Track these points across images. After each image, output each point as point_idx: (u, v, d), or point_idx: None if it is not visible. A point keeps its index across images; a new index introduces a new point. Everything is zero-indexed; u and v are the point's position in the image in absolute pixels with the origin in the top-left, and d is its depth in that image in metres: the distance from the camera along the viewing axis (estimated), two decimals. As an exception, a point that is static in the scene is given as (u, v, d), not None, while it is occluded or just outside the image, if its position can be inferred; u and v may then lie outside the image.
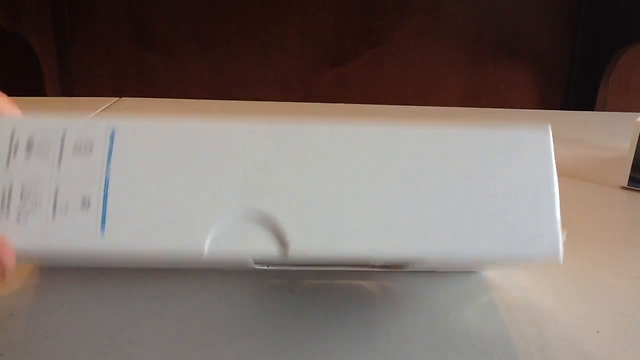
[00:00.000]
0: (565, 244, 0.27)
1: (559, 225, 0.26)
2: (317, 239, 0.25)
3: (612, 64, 1.19)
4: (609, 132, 0.75)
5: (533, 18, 1.23)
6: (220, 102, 0.91)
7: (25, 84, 1.22)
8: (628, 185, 0.53)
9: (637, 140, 0.51)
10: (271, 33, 1.23)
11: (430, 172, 0.26)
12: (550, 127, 0.27)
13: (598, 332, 0.31)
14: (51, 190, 0.24)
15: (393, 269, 0.32)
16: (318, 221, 0.25)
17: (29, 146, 0.24)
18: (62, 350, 0.27)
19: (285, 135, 0.26)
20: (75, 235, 0.24)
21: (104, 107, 0.82)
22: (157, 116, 0.26)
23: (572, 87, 1.27)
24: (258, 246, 0.25)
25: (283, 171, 0.26)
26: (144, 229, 0.24)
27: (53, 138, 0.25)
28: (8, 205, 0.24)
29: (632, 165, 0.52)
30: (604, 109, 1.21)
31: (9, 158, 0.24)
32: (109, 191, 0.25)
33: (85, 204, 0.25)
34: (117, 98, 0.88)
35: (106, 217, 0.24)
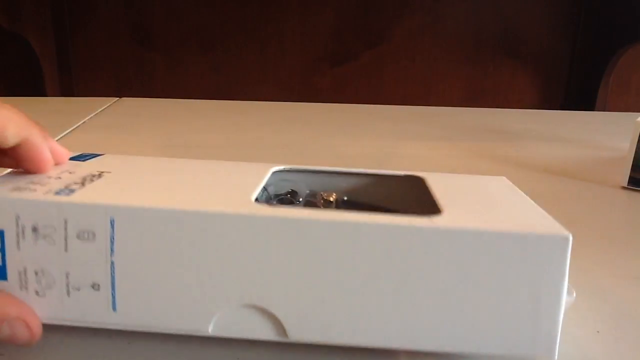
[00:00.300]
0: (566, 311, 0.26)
1: (558, 331, 0.26)
2: (315, 331, 0.26)
3: (612, 64, 1.19)
4: (609, 132, 0.75)
5: (533, 18, 1.23)
6: (220, 102, 0.91)
7: (25, 84, 1.22)
8: (628, 185, 0.53)
9: (637, 140, 0.51)
10: (271, 33, 1.23)
11: (432, 270, 0.25)
12: (570, 237, 0.25)
13: (598, 332, 0.31)
14: (62, 274, 0.26)
15: None
16: (316, 315, 0.26)
17: (35, 230, 0.25)
18: (63, 350, 0.27)
19: (287, 228, 0.25)
20: (89, 310, 0.26)
21: (104, 107, 0.82)
22: (155, 195, 0.27)
23: (572, 87, 1.27)
24: (259, 331, 0.26)
25: (284, 264, 0.26)
26: (152, 308, 0.26)
27: (56, 224, 0.25)
28: (26, 286, 0.26)
29: (632, 165, 0.52)
30: (604, 109, 1.21)
31: (18, 242, 0.26)
32: (115, 275, 0.26)
33: (95, 286, 0.26)
34: (117, 98, 0.88)
35: (116, 297, 0.26)
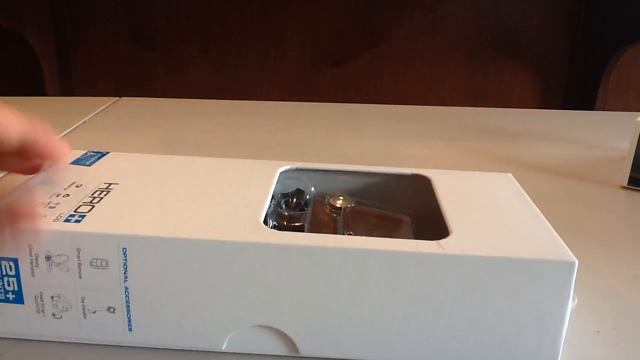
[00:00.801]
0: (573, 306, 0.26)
1: (560, 350, 0.26)
2: (325, 346, 0.27)
3: (612, 64, 1.19)
4: (609, 132, 0.75)
5: (533, 18, 1.23)
6: (220, 102, 0.91)
7: (25, 84, 1.22)
8: (628, 185, 0.53)
9: (637, 140, 0.51)
10: (271, 33, 1.23)
11: (440, 292, 0.26)
12: (576, 263, 0.25)
13: (598, 332, 0.31)
14: (77, 298, 0.26)
15: None
16: (327, 333, 0.27)
17: (49, 258, 0.26)
18: (62, 349, 0.27)
19: (297, 256, 0.26)
20: (106, 331, 0.27)
21: (103, 107, 0.82)
22: (165, 218, 0.27)
23: (572, 87, 1.27)
24: (272, 347, 0.27)
25: (294, 289, 0.26)
26: (167, 328, 0.27)
27: (69, 253, 0.26)
28: (43, 310, 0.27)
29: (632, 165, 0.52)
30: (604, 108, 1.21)
31: (32, 269, 0.26)
32: (130, 299, 0.26)
33: (111, 309, 0.27)
34: (117, 98, 0.88)
35: (131, 319, 0.27)
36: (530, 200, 0.31)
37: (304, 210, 0.34)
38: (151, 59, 1.24)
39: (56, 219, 0.26)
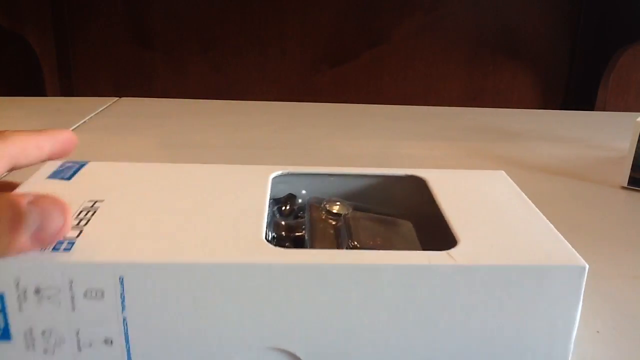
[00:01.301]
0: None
1: (570, 354, 0.26)
2: None
3: (612, 64, 1.19)
4: (609, 132, 0.75)
5: (533, 18, 1.23)
6: (220, 102, 0.91)
7: (25, 84, 1.22)
8: (628, 185, 0.53)
9: (637, 140, 0.51)
10: (271, 33, 1.23)
11: (451, 302, 0.25)
12: (587, 267, 0.25)
13: (598, 332, 0.31)
14: (71, 331, 0.24)
15: None
16: (337, 348, 0.26)
17: (38, 292, 0.24)
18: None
19: (302, 275, 0.25)
20: None
21: (103, 107, 0.82)
22: (161, 242, 0.25)
23: (572, 87, 1.27)
24: None
25: (301, 308, 0.25)
26: (169, 356, 0.25)
27: (60, 285, 0.24)
28: (33, 345, 0.25)
29: (632, 165, 0.52)
30: (604, 109, 1.21)
31: (20, 304, 0.24)
32: (129, 329, 0.25)
33: (108, 342, 0.25)
34: (117, 98, 0.88)
35: (131, 351, 0.25)
36: (526, 198, 0.31)
37: (298, 216, 0.33)
38: (151, 59, 1.24)
39: (42, 250, 0.24)
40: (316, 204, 0.33)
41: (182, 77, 1.26)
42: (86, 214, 0.27)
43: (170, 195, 0.30)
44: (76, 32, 1.23)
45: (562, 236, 0.27)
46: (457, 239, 0.27)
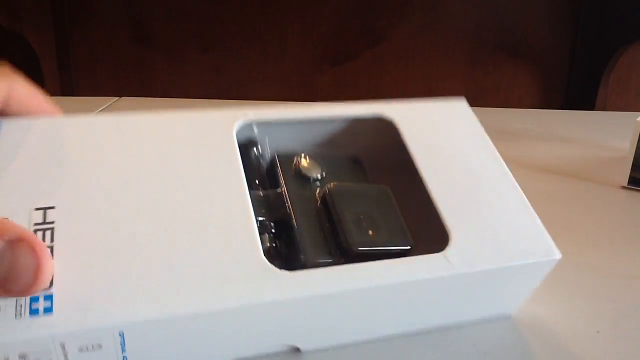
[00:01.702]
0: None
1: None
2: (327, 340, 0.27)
3: (612, 63, 1.18)
4: (609, 132, 0.74)
5: (533, 18, 1.23)
6: (220, 102, 0.91)
7: (25, 83, 1.22)
8: (628, 185, 0.53)
9: (637, 140, 0.51)
10: (271, 33, 1.23)
11: (442, 292, 0.28)
12: (559, 256, 0.28)
13: (598, 332, 0.31)
14: None
15: None
16: (330, 331, 0.27)
17: (24, 357, 0.20)
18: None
19: (312, 304, 0.25)
20: None
21: (103, 107, 0.82)
22: (164, 297, 0.22)
23: (572, 87, 1.27)
24: None
25: (302, 324, 0.26)
26: None
27: (51, 349, 0.21)
28: None
29: (632, 165, 0.52)
30: (604, 108, 1.21)
31: None
32: None
33: None
34: (117, 98, 0.88)
35: None
36: (484, 133, 0.35)
37: (260, 164, 0.31)
38: (151, 59, 1.24)
39: (17, 315, 0.20)
40: (286, 163, 0.31)
41: (182, 77, 1.26)
42: (43, 237, 0.22)
43: (133, 189, 0.24)
44: (76, 31, 1.23)
45: (534, 212, 0.29)
46: (447, 229, 0.28)
